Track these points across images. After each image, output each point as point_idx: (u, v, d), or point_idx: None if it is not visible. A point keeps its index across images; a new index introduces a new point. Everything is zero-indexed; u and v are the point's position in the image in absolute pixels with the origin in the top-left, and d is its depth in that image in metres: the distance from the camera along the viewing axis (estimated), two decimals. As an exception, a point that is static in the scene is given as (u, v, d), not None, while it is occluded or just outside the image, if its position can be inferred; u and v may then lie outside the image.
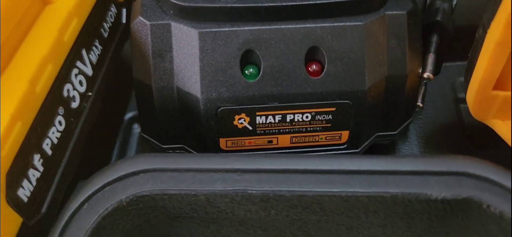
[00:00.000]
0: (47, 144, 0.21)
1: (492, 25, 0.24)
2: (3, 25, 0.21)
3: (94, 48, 0.26)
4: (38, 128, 0.21)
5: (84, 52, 0.25)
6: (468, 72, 0.27)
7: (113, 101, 0.30)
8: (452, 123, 0.32)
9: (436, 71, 0.29)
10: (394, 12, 0.25)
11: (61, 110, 0.22)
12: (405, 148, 0.30)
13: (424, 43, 0.27)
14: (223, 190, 0.20)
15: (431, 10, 0.28)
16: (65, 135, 0.23)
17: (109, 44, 0.28)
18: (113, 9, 0.28)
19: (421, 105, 0.28)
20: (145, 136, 0.27)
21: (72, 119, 0.23)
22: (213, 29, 0.24)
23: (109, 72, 0.27)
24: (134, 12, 0.25)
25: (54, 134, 0.22)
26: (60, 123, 0.22)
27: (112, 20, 0.28)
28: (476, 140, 0.32)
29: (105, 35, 0.27)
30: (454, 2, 0.30)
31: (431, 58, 0.27)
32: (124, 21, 0.30)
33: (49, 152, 0.21)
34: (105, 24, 0.27)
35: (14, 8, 0.22)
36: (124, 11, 0.30)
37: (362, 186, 0.20)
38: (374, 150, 0.29)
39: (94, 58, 0.26)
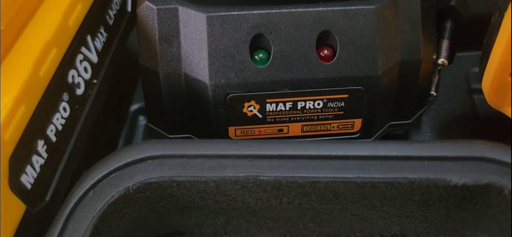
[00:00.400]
0: (52, 130, 0.21)
1: (510, 7, 0.23)
2: (5, 6, 0.20)
3: (99, 35, 0.25)
4: (42, 113, 0.20)
5: (89, 38, 0.24)
6: (484, 58, 0.26)
7: (118, 92, 0.29)
8: (466, 114, 0.31)
9: (450, 58, 0.28)
10: (407, -5, 0.24)
11: (65, 96, 0.22)
12: (418, 138, 0.30)
13: (438, 29, 0.27)
14: (234, 176, 0.20)
15: (444, -5, 0.27)
16: (70, 122, 0.22)
17: (115, 32, 0.27)
18: (118, -3, 0.28)
19: (435, 94, 0.27)
20: (152, 125, 0.26)
21: (77, 106, 0.23)
22: (222, 13, 0.23)
23: (114, 60, 0.26)
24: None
25: (58, 120, 0.21)
26: (64, 109, 0.22)
27: (117, 8, 0.28)
28: (491, 131, 0.31)
29: (110, 22, 0.27)
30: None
31: (445, 44, 0.26)
32: (129, 9, 0.29)
33: (54, 139, 0.21)
34: (110, 11, 0.27)
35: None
36: (129, 2, 0.29)
37: (378, 172, 0.20)
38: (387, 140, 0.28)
39: (99, 45, 0.25)
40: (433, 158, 0.20)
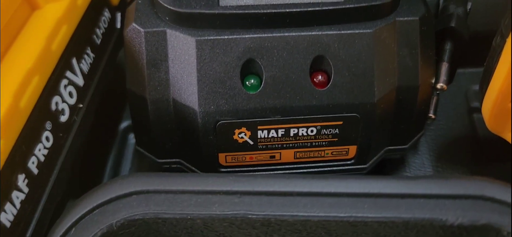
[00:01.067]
0: (33, 162, 0.20)
1: (509, 40, 0.22)
2: None
3: (85, 56, 0.24)
4: (23, 145, 0.19)
5: (74, 61, 0.23)
6: (484, 82, 0.25)
7: (107, 111, 0.28)
8: (465, 134, 0.30)
9: (449, 80, 0.27)
10: (405, 18, 0.23)
11: (48, 125, 0.21)
12: (415, 161, 0.29)
13: (437, 51, 0.26)
14: (222, 213, 0.19)
15: (444, 16, 0.26)
16: (53, 152, 0.21)
17: (102, 51, 0.26)
18: (107, 14, 0.27)
19: (433, 116, 0.27)
20: (140, 149, 0.26)
21: (61, 134, 0.22)
22: (212, 37, 0.22)
23: (102, 82, 0.26)
24: (127, 18, 0.24)
25: (40, 151, 0.20)
26: (47, 138, 0.21)
27: (106, 26, 0.27)
28: (490, 152, 0.30)
29: (98, 42, 0.26)
30: (469, 6, 0.28)
31: (444, 67, 0.25)
32: (118, 26, 0.28)
33: (35, 171, 0.20)
34: (97, 30, 0.26)
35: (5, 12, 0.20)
36: (118, 15, 0.28)
37: (372, 210, 0.19)
38: (383, 164, 0.27)
39: (85, 68, 0.24)
40: (429, 196, 0.19)
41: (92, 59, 0.25)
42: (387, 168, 0.28)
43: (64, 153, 0.22)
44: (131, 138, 0.30)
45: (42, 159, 0.20)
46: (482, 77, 0.25)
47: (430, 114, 0.27)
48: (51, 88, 0.21)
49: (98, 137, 0.26)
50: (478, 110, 0.27)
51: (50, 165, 0.21)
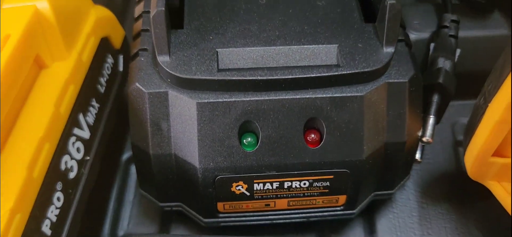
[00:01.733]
0: (47, 225, 0.21)
1: (494, 102, 0.24)
2: (3, 103, 0.20)
3: (91, 108, 0.26)
4: (37, 211, 0.21)
5: (80, 116, 0.25)
6: (468, 135, 0.27)
7: (110, 147, 0.30)
8: (451, 168, 0.32)
9: (437, 121, 0.28)
10: (395, 80, 0.24)
11: (59, 185, 0.23)
12: (402, 196, 0.31)
13: (425, 103, 0.27)
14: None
15: (433, 70, 0.27)
16: (64, 209, 0.23)
17: (107, 99, 0.27)
18: (110, 59, 0.28)
19: (419, 160, 0.28)
20: (143, 192, 0.27)
21: (70, 190, 0.23)
22: (211, 100, 0.23)
23: (107, 128, 0.27)
24: (130, 75, 0.25)
25: (53, 213, 0.22)
26: (58, 198, 0.22)
27: (109, 72, 0.28)
28: (475, 186, 0.32)
29: (102, 90, 0.27)
30: (458, 53, 0.30)
31: (431, 121, 0.27)
32: (121, 69, 0.29)
33: (49, 232, 0.22)
34: (101, 79, 0.27)
35: (13, 83, 0.21)
36: (121, 58, 0.29)
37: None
38: (371, 202, 0.29)
39: (91, 120, 0.26)
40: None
41: (97, 109, 0.26)
42: (374, 204, 0.30)
43: (74, 206, 0.24)
44: (133, 169, 0.32)
45: (54, 219, 0.22)
46: (466, 130, 0.27)
47: (417, 158, 0.28)
48: (60, 149, 0.23)
49: (102, 172, 0.28)
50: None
51: (61, 222, 0.23)
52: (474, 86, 0.33)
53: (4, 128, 0.21)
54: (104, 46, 0.27)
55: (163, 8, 0.23)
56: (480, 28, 0.33)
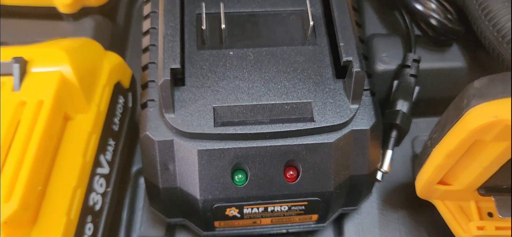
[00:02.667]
0: (81, 254, 0.28)
1: (437, 149, 0.29)
2: (43, 160, 0.26)
3: (108, 147, 0.31)
4: (74, 246, 0.27)
5: (101, 157, 0.30)
6: (418, 166, 0.33)
7: (124, 167, 0.35)
8: (408, 180, 0.38)
9: (397, 145, 0.34)
10: (359, 128, 0.30)
11: (89, 218, 0.28)
12: (366, 205, 0.37)
13: (384, 137, 0.33)
14: None
15: (393, 111, 0.33)
16: (94, 234, 0.29)
17: (120, 134, 0.33)
18: (121, 100, 0.33)
19: (380, 180, 0.34)
20: (153, 209, 0.33)
21: (97, 219, 0.29)
22: (209, 148, 0.29)
23: (122, 158, 0.32)
24: (142, 124, 0.30)
25: (86, 240, 0.28)
26: (89, 228, 0.28)
27: (121, 111, 0.33)
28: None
29: (116, 129, 0.32)
30: (417, 91, 0.35)
31: (388, 155, 0.32)
32: (130, 105, 0.34)
33: (84, 257, 0.28)
34: (115, 119, 0.32)
35: (50, 142, 0.27)
36: (130, 95, 0.34)
37: None
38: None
39: (109, 156, 0.31)
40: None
41: (113, 146, 0.31)
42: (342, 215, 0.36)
43: (101, 229, 0.29)
44: (141, 180, 0.38)
45: (87, 245, 0.28)
46: (417, 161, 0.33)
47: (378, 178, 0.34)
48: (88, 190, 0.28)
49: (116, 188, 0.33)
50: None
51: (92, 245, 0.29)
52: (432, 108, 0.39)
53: (45, 179, 0.26)
54: (116, 90, 0.32)
55: (169, 78, 0.28)
56: (439, 61, 0.38)
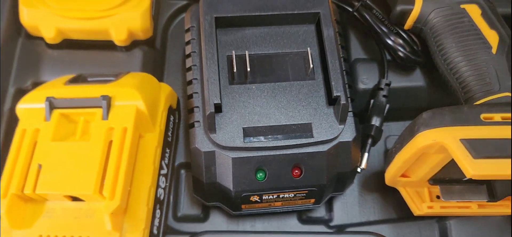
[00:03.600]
0: (155, 228, 0.40)
1: (398, 157, 0.42)
2: (130, 168, 0.38)
3: (166, 154, 0.43)
4: (148, 229, 0.39)
5: (163, 162, 0.42)
6: (386, 163, 0.45)
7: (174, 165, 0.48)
8: (381, 169, 0.51)
9: (373, 145, 0.47)
10: (344, 140, 0.42)
11: (157, 206, 0.41)
12: (349, 189, 0.50)
13: (362, 144, 0.45)
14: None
15: (368, 125, 0.45)
16: (160, 219, 0.41)
17: (172, 143, 0.45)
18: (172, 117, 0.45)
19: (359, 172, 0.47)
20: (196, 196, 0.46)
21: (162, 207, 0.42)
22: (239, 156, 0.41)
23: (174, 160, 0.44)
24: (191, 139, 0.42)
25: (156, 226, 0.40)
26: (158, 213, 0.41)
27: (172, 126, 0.45)
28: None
29: (170, 139, 0.44)
30: (387, 108, 0.47)
31: (365, 156, 0.45)
32: (177, 120, 0.46)
33: (155, 232, 0.40)
34: (169, 132, 0.44)
35: (133, 156, 0.39)
36: (177, 113, 0.46)
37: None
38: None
39: (167, 161, 0.43)
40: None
41: (168, 152, 0.44)
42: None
43: (164, 214, 0.42)
44: (183, 172, 0.50)
45: (157, 225, 0.41)
46: (386, 159, 0.45)
47: (358, 171, 0.47)
48: (156, 187, 0.41)
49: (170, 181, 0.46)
50: (388, 160, 0.48)
51: (160, 225, 0.41)
52: (401, 115, 0.52)
53: (129, 182, 0.39)
54: (169, 112, 0.44)
55: (213, 110, 0.40)
56: (406, 81, 0.50)
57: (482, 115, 0.37)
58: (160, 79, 0.52)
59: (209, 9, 0.44)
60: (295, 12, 0.44)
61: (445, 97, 0.49)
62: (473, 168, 0.35)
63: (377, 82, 0.49)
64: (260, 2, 0.44)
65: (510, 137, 0.36)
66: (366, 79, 0.49)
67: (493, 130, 0.36)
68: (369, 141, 0.46)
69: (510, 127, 0.37)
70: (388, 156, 0.45)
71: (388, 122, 0.53)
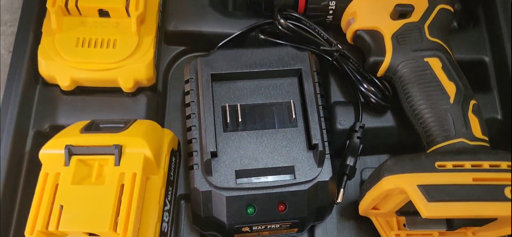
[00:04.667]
0: (159, 261, 0.47)
1: (367, 195, 0.49)
2: (139, 207, 0.44)
3: (169, 192, 0.50)
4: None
5: (166, 199, 0.49)
6: (360, 197, 0.52)
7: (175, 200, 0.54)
8: (357, 199, 0.58)
9: (350, 178, 0.54)
10: (322, 180, 0.49)
11: (162, 240, 0.47)
12: (328, 218, 0.57)
13: (338, 181, 0.52)
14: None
15: (344, 164, 0.52)
16: (164, 249, 0.48)
17: (174, 181, 0.51)
18: (174, 158, 0.51)
19: (337, 204, 0.54)
20: (196, 227, 0.52)
21: (165, 242, 0.48)
22: (232, 195, 0.48)
23: (176, 196, 0.51)
24: (191, 180, 0.49)
25: (161, 252, 0.47)
26: (163, 248, 0.48)
27: (174, 166, 0.51)
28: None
29: (172, 178, 0.51)
30: (360, 148, 0.54)
31: (341, 192, 0.52)
32: (178, 160, 0.52)
33: (160, 262, 0.47)
34: (171, 172, 0.51)
35: (141, 197, 0.45)
36: (177, 154, 0.52)
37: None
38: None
39: (169, 198, 0.50)
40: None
41: (171, 190, 0.50)
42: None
43: (166, 246, 0.49)
44: (183, 203, 0.56)
45: (162, 254, 0.47)
46: (361, 191, 0.52)
47: (337, 202, 0.54)
48: (161, 222, 0.47)
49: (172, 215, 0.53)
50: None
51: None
52: (374, 150, 0.59)
53: (139, 220, 0.45)
54: (171, 154, 0.50)
55: (210, 157, 0.46)
56: (378, 122, 0.57)
57: (437, 163, 0.44)
58: (162, 118, 0.59)
59: (206, 66, 0.50)
60: (281, 68, 0.51)
61: (412, 136, 0.56)
62: (427, 210, 0.42)
63: (352, 123, 0.56)
64: (250, 60, 0.51)
65: (458, 183, 0.43)
66: (343, 121, 0.56)
67: (445, 177, 0.43)
68: (345, 178, 0.53)
69: (459, 173, 0.44)
70: (362, 191, 0.52)
71: (364, 155, 0.60)
